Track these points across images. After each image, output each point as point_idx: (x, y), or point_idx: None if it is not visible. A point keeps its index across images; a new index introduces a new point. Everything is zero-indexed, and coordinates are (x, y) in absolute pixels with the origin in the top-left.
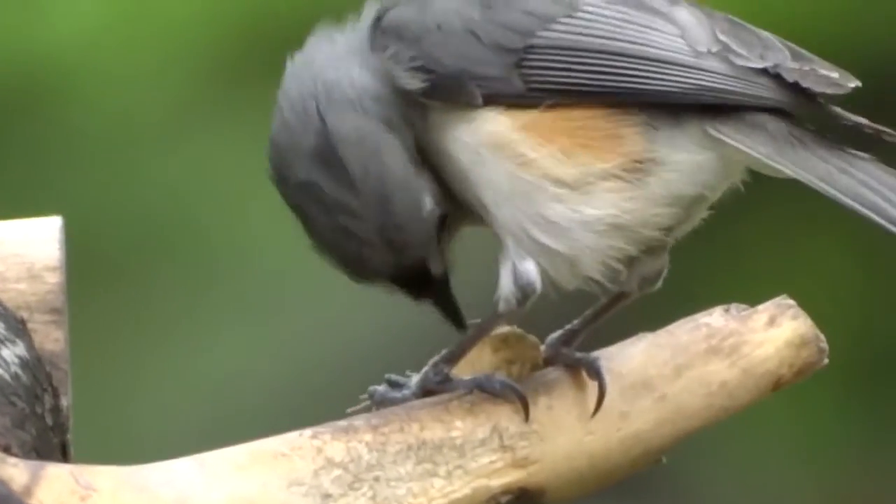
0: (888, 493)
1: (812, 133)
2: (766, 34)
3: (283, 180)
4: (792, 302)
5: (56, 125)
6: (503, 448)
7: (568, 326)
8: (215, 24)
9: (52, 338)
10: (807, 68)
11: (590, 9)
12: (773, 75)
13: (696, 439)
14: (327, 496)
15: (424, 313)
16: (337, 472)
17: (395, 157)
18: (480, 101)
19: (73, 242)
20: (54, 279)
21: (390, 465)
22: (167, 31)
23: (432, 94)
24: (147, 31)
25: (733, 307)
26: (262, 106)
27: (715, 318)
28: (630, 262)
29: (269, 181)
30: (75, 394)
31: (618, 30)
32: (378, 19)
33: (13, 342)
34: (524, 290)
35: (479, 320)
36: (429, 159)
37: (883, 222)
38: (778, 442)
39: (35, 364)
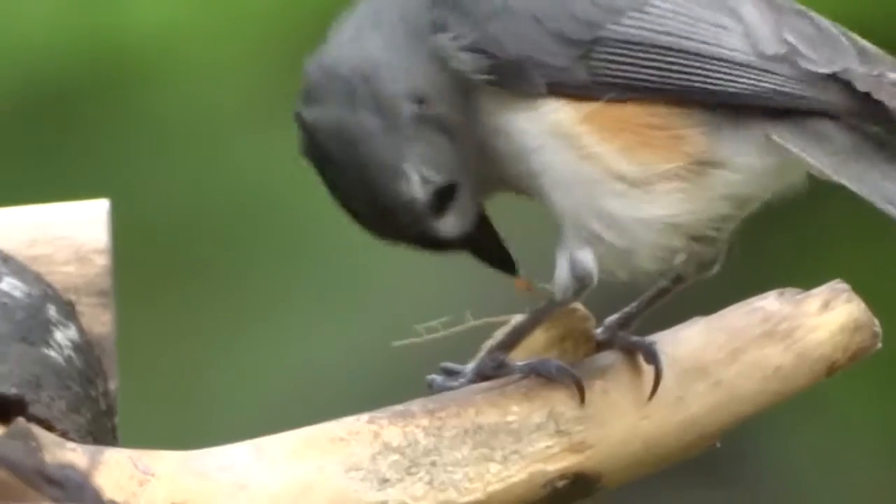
0: None
1: (880, 145)
2: (833, 29)
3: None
4: (846, 286)
5: (138, 111)
6: (559, 433)
7: (625, 310)
8: (292, 16)
9: (99, 321)
10: (876, 73)
11: (659, 3)
12: (843, 82)
13: (767, 422)
14: (385, 481)
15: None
16: (394, 456)
17: (373, 146)
18: (544, 89)
19: (151, 225)
20: (102, 261)
21: (447, 449)
22: (246, 22)
23: (492, 78)
24: (227, 22)
25: (788, 291)
26: None
27: (769, 303)
28: (696, 249)
29: None
30: (122, 378)
31: (687, 27)
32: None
33: (66, 325)
34: (581, 281)
35: (537, 307)
36: (469, 136)
37: None
38: (853, 427)
39: (86, 347)
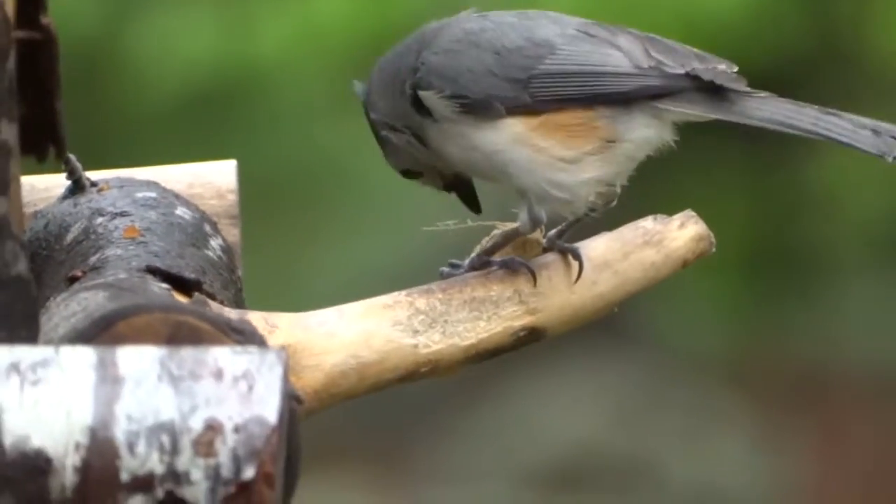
0: (769, 335)
1: (737, 93)
2: (678, 45)
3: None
4: (694, 213)
5: (257, 106)
6: (521, 302)
7: (559, 227)
8: (362, 46)
9: (231, 234)
10: (711, 67)
11: (565, 48)
12: (693, 77)
13: (648, 300)
14: (416, 331)
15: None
16: (422, 317)
17: (376, 136)
18: (503, 113)
19: (257, 179)
20: (232, 197)
21: (454, 312)
22: (333, 48)
23: (468, 112)
24: (321, 48)
25: (659, 216)
26: None
27: (647, 223)
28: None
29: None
30: (245, 268)
31: (585, 58)
32: (421, 63)
33: (215, 237)
34: (536, 223)
35: (508, 226)
36: (433, 150)
37: (792, 131)
38: (700, 302)
39: (228, 250)
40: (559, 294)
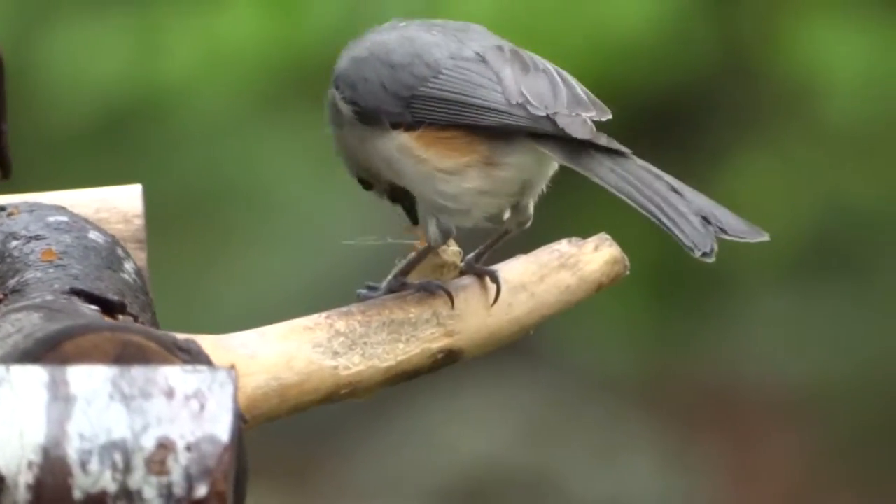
0: (678, 355)
1: (595, 146)
2: (561, 84)
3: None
4: (608, 236)
5: (165, 127)
6: (439, 324)
7: (476, 251)
8: (271, 66)
9: (139, 258)
10: (574, 114)
11: (446, 71)
12: (552, 120)
13: (559, 321)
14: (336, 353)
15: (388, 247)
16: (342, 339)
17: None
18: (389, 126)
19: (166, 201)
20: (139, 222)
21: (373, 334)
22: (241, 68)
23: (360, 120)
24: (228, 67)
25: (573, 239)
26: (295, 119)
27: (563, 246)
28: (512, 210)
29: (296, 165)
30: (155, 293)
31: (463, 86)
32: (337, 67)
33: (127, 260)
34: (446, 234)
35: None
36: (359, 154)
37: (631, 203)
38: (609, 322)
39: (140, 273)
40: (476, 316)
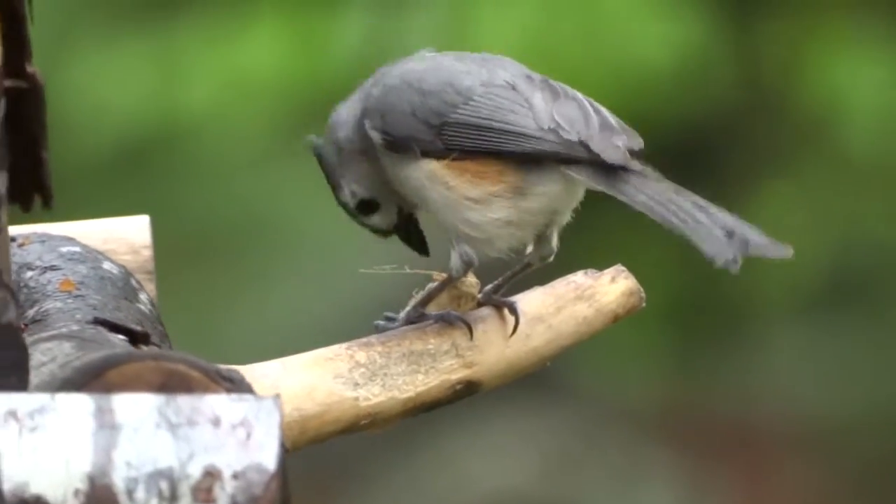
0: (696, 386)
1: (625, 171)
2: (590, 109)
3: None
4: (624, 268)
5: (184, 157)
6: (458, 356)
7: (496, 282)
8: (290, 96)
9: (148, 289)
10: (607, 140)
11: (477, 98)
12: (585, 144)
13: (578, 352)
14: (356, 384)
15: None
16: (362, 369)
17: (331, 166)
18: (419, 154)
19: (187, 231)
20: (147, 252)
21: (393, 365)
22: (261, 98)
23: (391, 148)
24: (248, 97)
25: (590, 271)
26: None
27: (579, 277)
28: (535, 243)
29: (316, 196)
30: (172, 323)
31: (493, 112)
32: (369, 95)
33: (141, 290)
34: (468, 264)
35: (443, 275)
36: (389, 179)
37: (658, 220)
38: (629, 354)
39: (153, 303)
40: (494, 348)
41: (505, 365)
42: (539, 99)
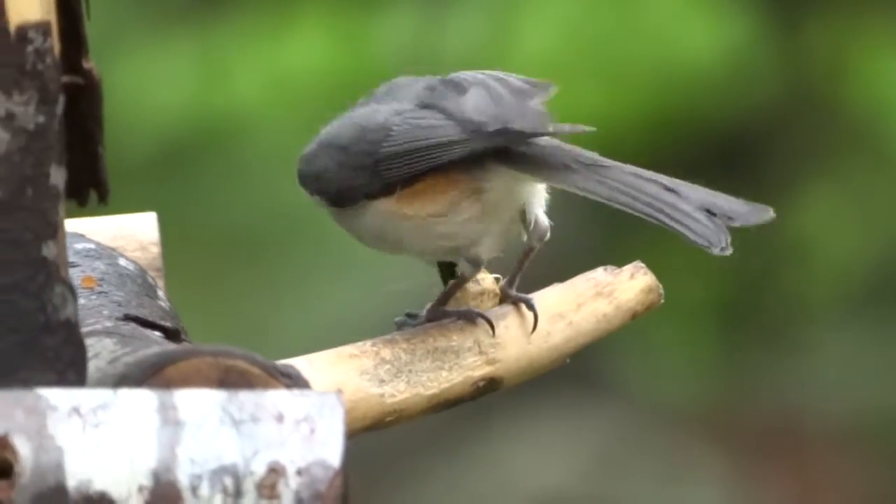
0: (743, 386)
1: (563, 156)
2: (496, 86)
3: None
4: (643, 265)
5: (227, 157)
6: (480, 353)
7: (508, 276)
8: (330, 96)
9: (159, 286)
10: (524, 108)
11: (395, 128)
12: (507, 129)
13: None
14: (382, 381)
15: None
16: (387, 366)
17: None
18: (364, 198)
19: (227, 230)
20: (156, 249)
21: (418, 362)
22: (304, 97)
23: (336, 204)
24: (292, 96)
25: (609, 267)
26: None
27: (599, 274)
28: (524, 228)
29: None
30: (205, 319)
31: (413, 133)
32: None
33: (158, 287)
34: (475, 265)
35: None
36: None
37: (622, 208)
38: (675, 353)
39: (170, 301)
40: (516, 344)
41: (526, 362)
42: (450, 103)
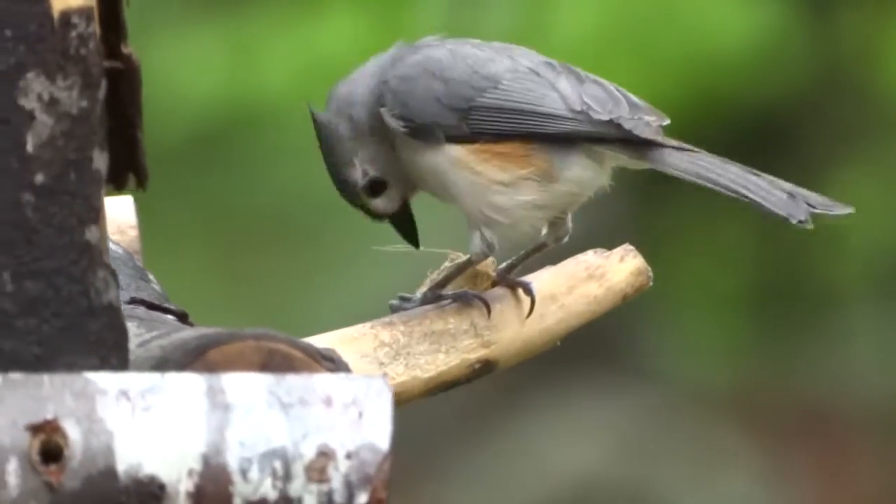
0: (773, 369)
1: (661, 146)
2: (615, 91)
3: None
4: (632, 247)
5: (261, 141)
6: (476, 335)
7: (509, 261)
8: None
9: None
10: (637, 117)
11: (505, 83)
12: (617, 124)
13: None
14: (381, 363)
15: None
16: (386, 349)
17: (341, 142)
18: (444, 140)
19: (260, 215)
20: (133, 233)
21: (415, 345)
22: (331, 84)
23: (413, 135)
24: (320, 83)
25: (599, 251)
26: None
27: (589, 257)
28: (550, 225)
29: None
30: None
31: (524, 95)
32: (384, 81)
33: (147, 270)
34: (489, 248)
35: (460, 255)
36: (404, 164)
37: (710, 185)
38: (705, 336)
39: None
40: (511, 327)
41: (520, 344)
42: (564, 83)
